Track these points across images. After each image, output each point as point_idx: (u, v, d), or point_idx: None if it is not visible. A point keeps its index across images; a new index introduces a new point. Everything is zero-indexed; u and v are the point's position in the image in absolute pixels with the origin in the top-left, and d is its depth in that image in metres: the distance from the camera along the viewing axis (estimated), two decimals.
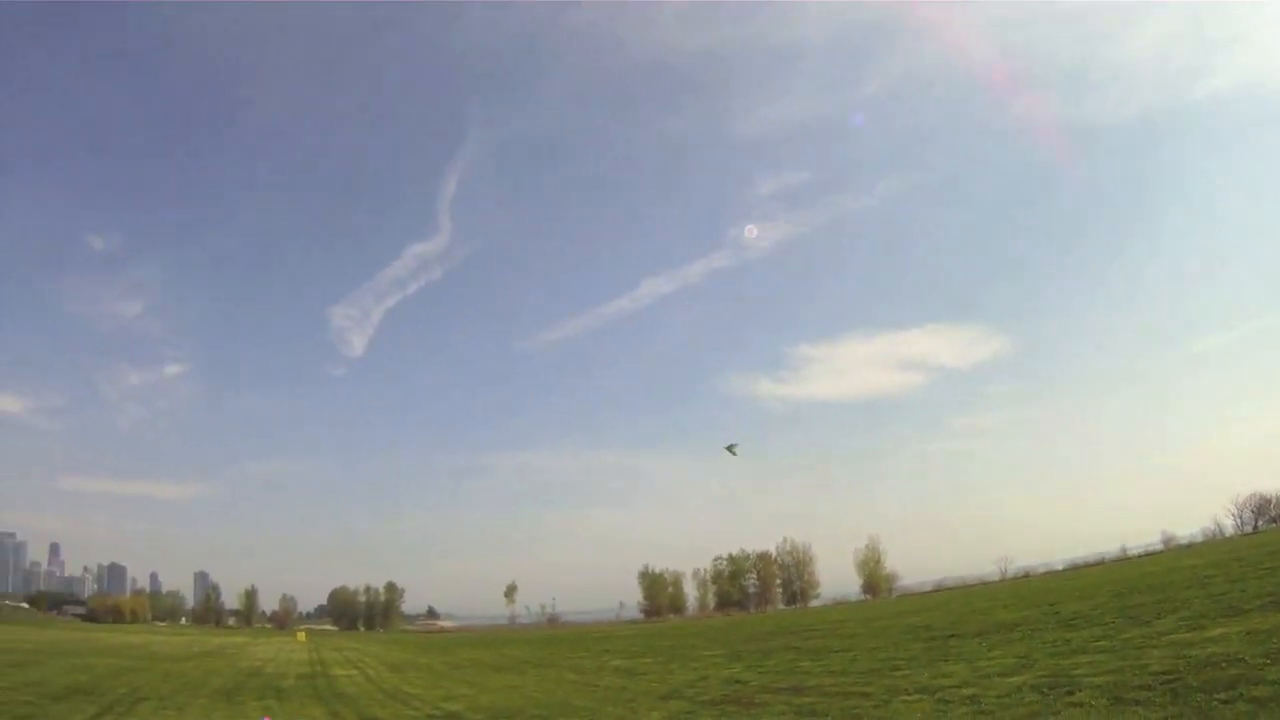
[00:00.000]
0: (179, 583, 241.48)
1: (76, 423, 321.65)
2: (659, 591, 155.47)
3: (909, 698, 15.73)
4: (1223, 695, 11.06)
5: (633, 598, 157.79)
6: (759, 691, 20.04)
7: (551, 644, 61.99)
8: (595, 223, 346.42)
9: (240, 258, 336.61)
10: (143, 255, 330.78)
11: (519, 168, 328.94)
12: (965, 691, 15.23)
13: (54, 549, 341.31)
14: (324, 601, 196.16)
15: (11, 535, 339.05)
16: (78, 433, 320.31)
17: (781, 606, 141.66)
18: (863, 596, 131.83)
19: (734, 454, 50.31)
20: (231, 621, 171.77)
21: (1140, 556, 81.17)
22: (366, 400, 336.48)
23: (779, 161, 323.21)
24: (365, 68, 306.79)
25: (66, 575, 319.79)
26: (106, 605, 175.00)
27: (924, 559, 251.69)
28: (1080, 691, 13.29)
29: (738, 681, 23.19)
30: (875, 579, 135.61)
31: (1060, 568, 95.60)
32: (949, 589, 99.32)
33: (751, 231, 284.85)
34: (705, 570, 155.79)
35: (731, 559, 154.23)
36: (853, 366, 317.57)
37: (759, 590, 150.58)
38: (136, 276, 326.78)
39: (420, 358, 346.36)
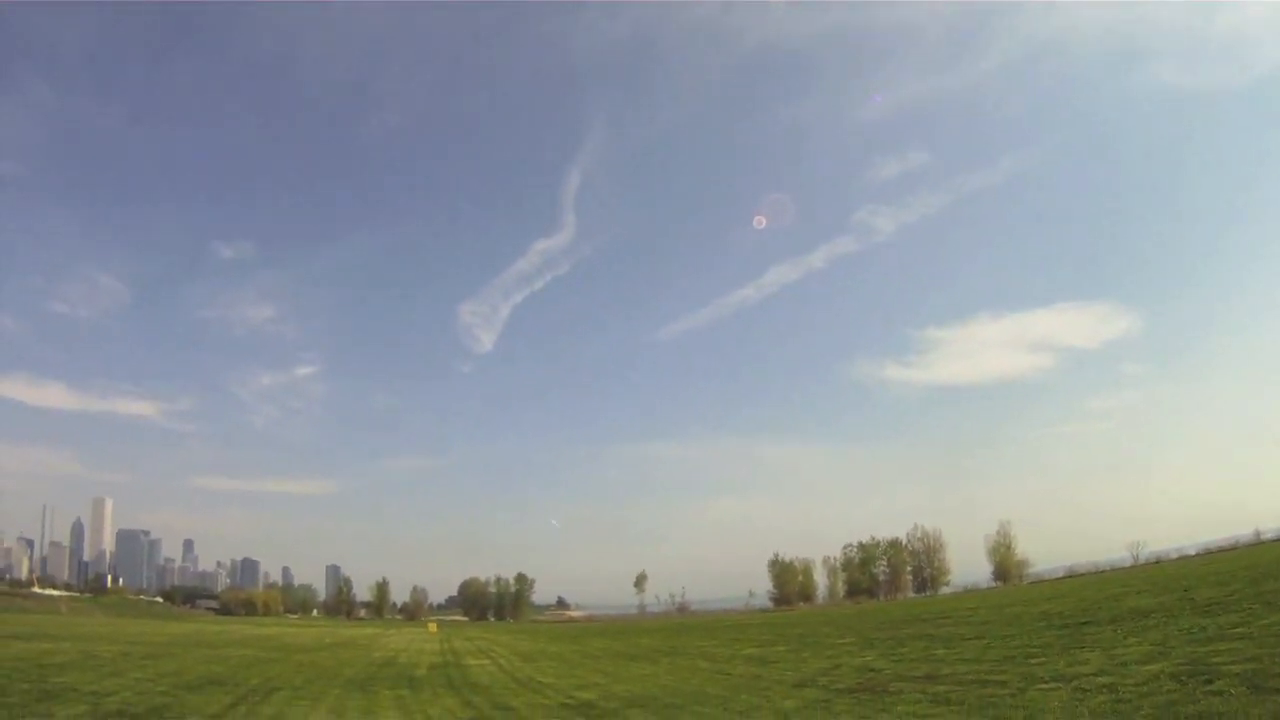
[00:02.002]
0: (311, 576, 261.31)
1: (209, 424, 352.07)
2: (789, 580, 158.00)
3: (1045, 686, 16.26)
4: None
5: (762, 586, 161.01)
6: (893, 679, 20.76)
7: (682, 632, 63.65)
8: (718, 213, 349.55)
9: (369, 260, 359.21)
10: (273, 261, 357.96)
11: (640, 162, 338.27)
12: (1102, 680, 15.74)
13: (188, 545, 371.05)
14: (454, 593, 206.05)
15: (146, 533, 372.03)
16: (211, 434, 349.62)
17: (912, 594, 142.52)
18: (994, 583, 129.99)
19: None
20: (363, 613, 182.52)
21: (1275, 540, 77.28)
22: (495, 395, 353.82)
23: (899, 143, 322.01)
24: (486, 70, 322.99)
25: (200, 570, 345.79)
26: (239, 599, 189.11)
27: (1055, 544, 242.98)
28: (1219, 680, 13.67)
29: (871, 669, 23.94)
30: (1006, 565, 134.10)
31: (1193, 552, 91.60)
32: (1081, 575, 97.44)
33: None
34: (835, 558, 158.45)
35: (862, 546, 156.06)
36: (981, 349, 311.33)
37: (889, 578, 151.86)
38: (267, 282, 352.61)
39: (548, 352, 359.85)
